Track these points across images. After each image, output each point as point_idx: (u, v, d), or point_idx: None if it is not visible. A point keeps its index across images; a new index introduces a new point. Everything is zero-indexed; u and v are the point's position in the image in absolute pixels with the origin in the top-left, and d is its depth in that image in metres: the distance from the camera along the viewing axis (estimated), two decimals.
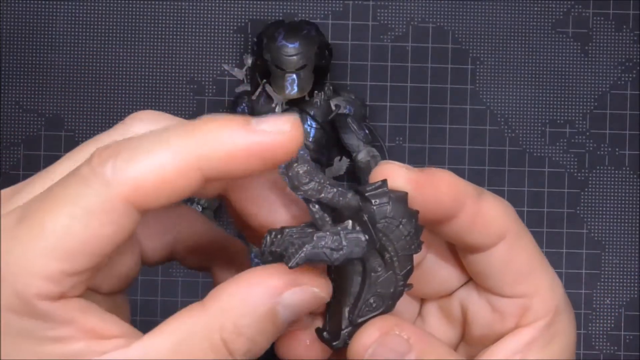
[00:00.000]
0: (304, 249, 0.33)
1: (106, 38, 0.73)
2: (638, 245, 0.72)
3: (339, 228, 0.34)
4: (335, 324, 0.37)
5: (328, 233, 0.34)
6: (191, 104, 0.73)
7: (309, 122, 0.70)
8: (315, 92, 0.70)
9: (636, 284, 0.72)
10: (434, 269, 0.39)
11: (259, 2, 0.73)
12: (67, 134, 0.72)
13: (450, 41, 0.73)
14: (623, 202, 0.73)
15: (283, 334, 0.37)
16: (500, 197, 0.38)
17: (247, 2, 0.73)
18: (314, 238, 0.34)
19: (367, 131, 0.71)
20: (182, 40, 0.73)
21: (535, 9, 0.73)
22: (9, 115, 0.72)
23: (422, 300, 0.42)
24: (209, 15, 0.73)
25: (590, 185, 0.73)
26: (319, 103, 0.70)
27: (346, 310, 0.37)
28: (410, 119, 0.73)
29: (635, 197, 0.73)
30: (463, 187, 0.36)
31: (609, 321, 0.72)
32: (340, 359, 0.38)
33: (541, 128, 0.73)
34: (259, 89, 0.70)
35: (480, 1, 0.73)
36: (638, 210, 0.73)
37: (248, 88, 0.71)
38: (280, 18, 0.72)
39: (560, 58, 0.73)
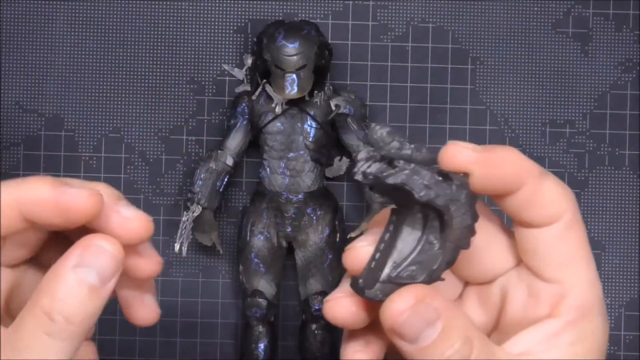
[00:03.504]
0: (405, 171, 0.36)
1: (106, 38, 0.73)
2: (638, 245, 0.72)
3: (434, 172, 0.36)
4: (373, 274, 0.38)
5: (428, 172, 0.36)
6: (191, 104, 0.73)
7: (309, 122, 0.70)
8: (315, 92, 0.70)
9: (636, 284, 0.72)
10: (480, 254, 0.40)
11: (259, 2, 0.73)
12: (67, 134, 0.72)
13: (450, 41, 0.73)
14: (623, 202, 0.73)
15: (330, 299, 0.40)
16: (562, 182, 0.39)
17: (247, 2, 0.73)
18: (415, 169, 0.36)
19: (367, 131, 0.71)
20: (182, 40, 0.73)
21: (535, 9, 0.73)
22: (9, 115, 0.72)
23: (465, 284, 0.43)
24: (209, 15, 0.73)
25: (590, 185, 0.73)
26: (319, 103, 0.70)
27: (390, 263, 0.38)
28: (410, 119, 0.73)
29: (635, 197, 0.73)
30: (526, 165, 0.39)
31: (609, 321, 0.72)
32: (371, 329, 0.40)
33: (541, 128, 0.73)
34: (259, 89, 0.70)
35: (480, 1, 0.73)
36: (638, 210, 0.73)
37: (248, 88, 0.71)
38: (280, 18, 0.72)
39: (560, 58, 0.73)
